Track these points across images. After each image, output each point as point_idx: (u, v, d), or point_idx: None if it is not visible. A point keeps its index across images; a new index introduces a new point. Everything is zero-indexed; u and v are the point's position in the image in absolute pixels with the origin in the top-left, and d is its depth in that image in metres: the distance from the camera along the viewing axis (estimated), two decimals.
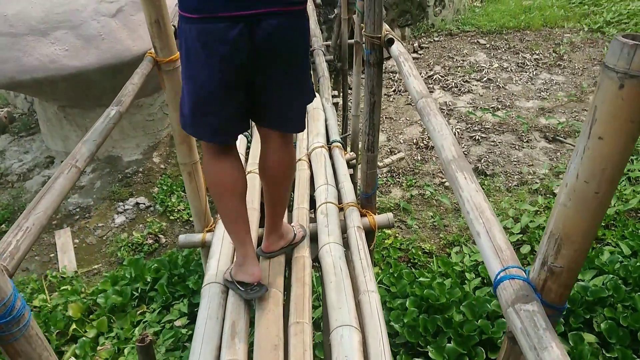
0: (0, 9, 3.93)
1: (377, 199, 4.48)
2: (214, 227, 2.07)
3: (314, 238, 2.01)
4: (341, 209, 2.08)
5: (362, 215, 2.07)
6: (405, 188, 4.66)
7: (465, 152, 4.93)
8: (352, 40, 4.08)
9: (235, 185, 1.77)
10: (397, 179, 4.75)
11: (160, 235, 4.39)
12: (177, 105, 1.84)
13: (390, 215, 2.07)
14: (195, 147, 2.00)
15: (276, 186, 1.77)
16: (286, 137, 1.75)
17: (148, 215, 4.68)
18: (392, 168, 4.86)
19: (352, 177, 2.57)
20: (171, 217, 4.57)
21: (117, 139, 5.29)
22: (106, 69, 4.32)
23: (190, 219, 4.63)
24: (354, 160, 2.63)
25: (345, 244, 1.97)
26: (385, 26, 1.75)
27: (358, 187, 2.68)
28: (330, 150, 2.51)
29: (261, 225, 2.02)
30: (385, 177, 4.73)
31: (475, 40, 7.09)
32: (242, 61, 1.52)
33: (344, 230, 2.00)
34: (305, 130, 2.67)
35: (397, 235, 4.24)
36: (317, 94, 3.41)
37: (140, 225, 4.55)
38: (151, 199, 4.83)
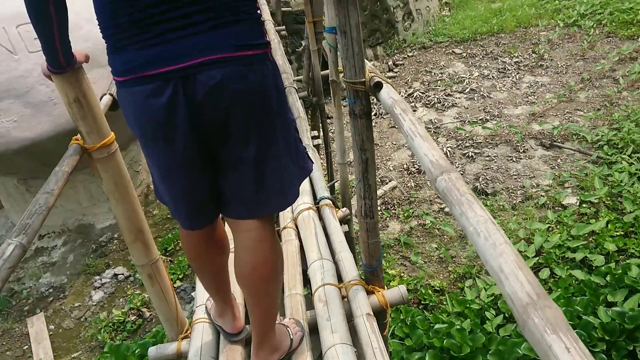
0: None
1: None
2: (190, 333, 1.69)
3: (313, 330, 1.64)
4: (342, 287, 1.71)
5: (369, 292, 1.70)
6: (403, 220, 4.30)
7: (461, 172, 4.61)
8: (325, 72, 3.76)
9: (213, 262, 1.51)
10: (393, 211, 4.40)
11: (144, 309, 3.97)
12: (119, 195, 1.48)
13: (402, 288, 1.70)
14: (152, 244, 1.63)
15: (258, 297, 1.39)
16: (262, 226, 1.37)
17: (128, 286, 4.26)
18: (386, 199, 4.51)
19: (347, 235, 2.21)
20: (145, 286, 4.15)
21: (87, 205, 4.90)
22: (62, 135, 3.95)
23: (176, 284, 4.22)
24: (348, 216, 2.26)
25: (352, 327, 1.61)
26: (369, 66, 1.41)
27: (357, 251, 2.33)
28: (319, 210, 2.15)
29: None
30: (380, 211, 4.38)
31: (451, 51, 6.84)
32: (184, 130, 1.17)
33: (349, 315, 1.63)
34: None
35: (402, 274, 3.87)
36: None
37: (121, 300, 4.13)
38: (130, 267, 4.41)
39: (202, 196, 1.31)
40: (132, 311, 3.94)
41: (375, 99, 1.42)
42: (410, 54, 6.95)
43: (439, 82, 6.13)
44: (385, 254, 4.00)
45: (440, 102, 5.69)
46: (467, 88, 5.86)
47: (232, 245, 1.55)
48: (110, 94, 1.60)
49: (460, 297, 3.52)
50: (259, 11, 1.25)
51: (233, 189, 1.30)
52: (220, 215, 1.46)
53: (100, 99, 1.56)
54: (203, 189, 1.29)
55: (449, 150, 4.87)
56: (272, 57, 1.26)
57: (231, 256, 1.50)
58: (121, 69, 1.19)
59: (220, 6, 1.16)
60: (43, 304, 4.24)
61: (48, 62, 1.33)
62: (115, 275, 4.37)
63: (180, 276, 4.22)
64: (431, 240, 4.09)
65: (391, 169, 4.83)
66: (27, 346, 3.90)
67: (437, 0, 7.77)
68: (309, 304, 1.78)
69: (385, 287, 1.77)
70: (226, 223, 1.47)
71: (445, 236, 4.09)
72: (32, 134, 3.80)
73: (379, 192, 4.48)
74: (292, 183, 1.36)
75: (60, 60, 1.31)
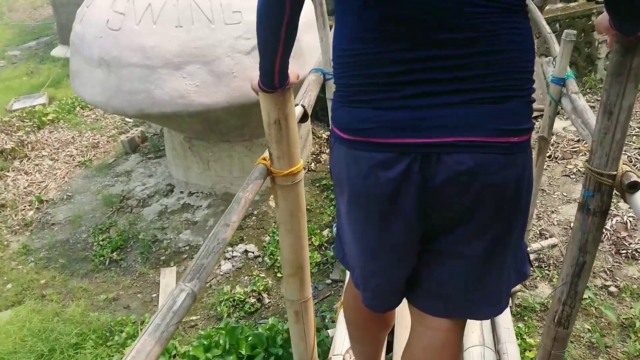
0: (139, 41, 3.81)
1: (518, 293, 3.70)
2: None
3: None
4: None
5: None
6: (555, 284, 3.81)
7: (639, 250, 3.97)
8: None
9: (374, 336, 1.39)
10: (546, 271, 3.92)
11: (264, 295, 4.00)
12: (291, 227, 1.35)
13: None
14: (308, 282, 1.49)
15: None
16: (454, 329, 1.15)
17: (255, 266, 4.32)
18: (541, 256, 4.03)
19: None
20: (278, 275, 4.17)
21: (237, 176, 5.06)
22: (234, 107, 4.06)
23: None
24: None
25: None
26: (623, 160, 1.11)
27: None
28: None
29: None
30: (532, 268, 3.93)
31: None
32: (407, 213, 0.97)
33: None
34: None
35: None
36: None
37: (246, 278, 4.20)
38: (261, 248, 4.48)
39: (400, 281, 1.12)
40: (253, 293, 3.99)
41: (624, 201, 1.12)
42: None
43: (634, 137, 5.35)
44: (526, 318, 3.58)
45: (632, 162, 4.96)
46: None
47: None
48: (302, 106, 1.47)
49: None
50: (533, 85, 1.00)
51: (435, 282, 1.09)
52: None
53: None
54: (404, 274, 1.10)
55: (629, 221, 4.22)
56: (530, 145, 1.02)
57: (406, 316, 1.31)
58: (350, 127, 1.02)
59: (493, 78, 0.93)
60: (177, 258, 4.47)
61: (261, 80, 1.21)
62: (247, 251, 4.46)
63: None
64: (585, 319, 3.57)
65: (555, 223, 4.32)
66: (155, 294, 4.14)
67: None
68: None
69: None
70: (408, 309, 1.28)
71: (603, 319, 3.54)
72: (209, 100, 3.95)
73: (535, 246, 4.02)
74: (507, 291, 1.12)
75: (275, 81, 1.19)
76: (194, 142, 4.95)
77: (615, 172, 1.10)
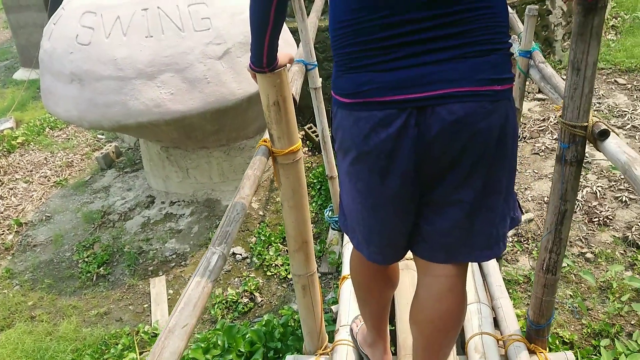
0: (110, 53, 3.83)
1: (503, 268, 3.85)
2: (330, 351, 1.62)
3: None
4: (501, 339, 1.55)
5: (530, 351, 1.52)
6: (535, 257, 3.97)
7: (610, 217, 4.16)
8: None
9: (381, 295, 1.45)
10: (526, 245, 4.08)
11: (256, 294, 4.05)
12: (294, 203, 1.43)
13: (570, 355, 1.50)
14: (313, 256, 1.57)
15: (434, 345, 1.27)
16: (457, 274, 1.24)
17: (244, 267, 4.37)
18: (519, 231, 4.19)
19: None
20: (268, 273, 4.23)
21: (217, 181, 5.10)
22: (209, 112, 4.12)
23: (289, 276, 4.26)
24: (503, 255, 2.07)
25: None
26: (592, 112, 1.22)
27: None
28: None
29: None
30: (511, 242, 4.08)
31: (613, 80, 6.22)
32: (405, 166, 1.07)
33: None
34: None
35: (527, 316, 3.58)
36: None
37: (236, 280, 4.24)
38: (248, 249, 4.53)
39: (402, 235, 1.22)
40: (245, 293, 4.03)
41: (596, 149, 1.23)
42: (564, 77, 6.42)
43: (595, 112, 5.60)
44: (511, 291, 3.72)
45: None
46: (629, 124, 5.29)
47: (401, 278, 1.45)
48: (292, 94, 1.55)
49: (594, 356, 3.17)
50: (510, 40, 1.11)
51: (436, 231, 1.18)
52: None
53: None
54: (406, 227, 1.20)
55: (598, 190, 4.42)
56: (512, 93, 1.13)
57: (405, 291, 1.39)
58: (350, 90, 1.12)
59: (474, 33, 1.04)
60: (165, 267, 4.48)
61: (251, 59, 1.30)
62: (234, 254, 4.50)
63: None
64: (566, 286, 3.73)
65: (529, 199, 4.49)
66: (147, 304, 4.14)
67: (604, 23, 7.10)
68: (457, 346, 1.64)
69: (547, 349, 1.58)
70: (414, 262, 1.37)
71: (582, 284, 3.72)
72: (184, 107, 3.99)
73: None
74: (503, 234, 1.22)
75: (264, 60, 1.28)
76: (172, 151, 4.97)
77: (587, 123, 1.21)
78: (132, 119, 3.96)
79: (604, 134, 1.18)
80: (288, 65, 1.34)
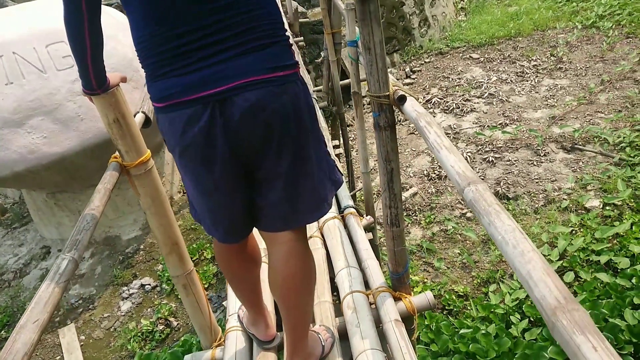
0: None
1: None
2: (224, 341, 1.74)
3: (342, 336, 1.68)
4: (370, 294, 1.75)
5: (396, 298, 1.74)
6: (424, 226, 4.32)
7: (482, 177, 4.61)
8: (344, 82, 3.81)
9: (246, 274, 1.56)
10: (415, 217, 4.42)
11: (171, 319, 4.05)
12: (155, 210, 1.55)
13: (429, 294, 1.74)
14: (187, 256, 1.69)
15: (292, 306, 1.44)
16: (296, 238, 1.42)
17: (155, 296, 4.35)
18: (407, 205, 4.53)
19: (372, 242, 2.25)
20: (179, 297, 4.23)
21: (113, 217, 5.01)
22: (89, 149, 4.07)
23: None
24: (372, 224, 2.30)
25: (380, 333, 1.65)
26: (392, 79, 1.45)
27: (381, 258, 2.36)
28: (344, 219, 2.20)
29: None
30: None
31: (468, 56, 6.85)
32: (222, 151, 1.23)
33: (377, 322, 1.67)
34: None
35: (425, 280, 3.89)
36: None
37: (149, 310, 4.21)
38: (156, 277, 4.50)
39: (240, 213, 1.37)
40: (160, 320, 4.02)
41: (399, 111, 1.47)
42: (427, 60, 6.97)
43: (456, 87, 6.14)
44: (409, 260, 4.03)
45: (459, 108, 5.70)
46: (486, 93, 5.87)
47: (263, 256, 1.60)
48: (143, 112, 1.67)
49: (485, 302, 3.52)
50: (287, 33, 1.31)
51: (269, 204, 1.35)
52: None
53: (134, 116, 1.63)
54: (242, 206, 1.35)
55: (469, 156, 4.88)
56: (301, 76, 1.32)
57: (264, 267, 1.55)
58: (160, 95, 1.26)
59: (252, 31, 1.22)
60: (73, 315, 4.34)
61: (82, 84, 1.40)
62: (143, 285, 4.46)
63: (206, 285, 4.29)
64: (453, 245, 4.10)
65: (411, 175, 4.86)
66: (59, 357, 4.00)
67: (453, 6, 7.79)
68: (337, 311, 1.82)
69: (412, 294, 1.81)
70: (260, 236, 1.52)
71: (467, 241, 4.10)
72: (60, 149, 3.92)
73: None
74: (325, 195, 1.41)
75: (92, 82, 1.38)
76: (59, 197, 4.82)
77: (388, 92, 1.44)
78: (7, 170, 3.83)
79: (402, 99, 1.41)
80: (121, 84, 1.46)
